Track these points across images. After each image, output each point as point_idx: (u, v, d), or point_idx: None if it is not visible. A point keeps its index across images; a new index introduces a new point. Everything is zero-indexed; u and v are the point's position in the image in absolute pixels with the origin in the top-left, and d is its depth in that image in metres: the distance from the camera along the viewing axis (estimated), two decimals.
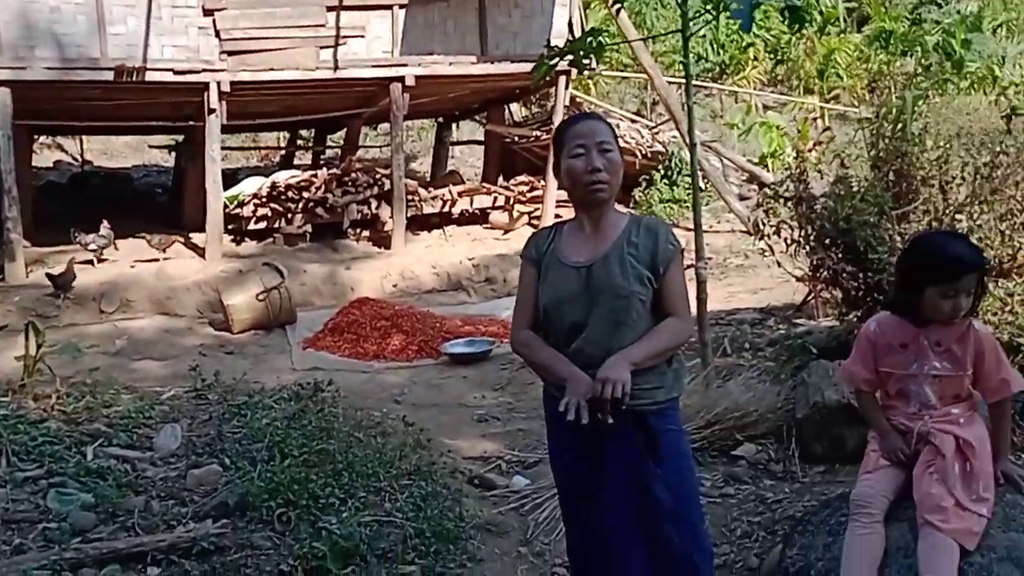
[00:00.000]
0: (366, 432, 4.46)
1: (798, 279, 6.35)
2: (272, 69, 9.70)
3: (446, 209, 11.28)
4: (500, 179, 12.36)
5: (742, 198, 11.43)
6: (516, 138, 12.37)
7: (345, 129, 13.50)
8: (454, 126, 14.81)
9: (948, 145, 5.32)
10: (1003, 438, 2.56)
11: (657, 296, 2.29)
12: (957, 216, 5.07)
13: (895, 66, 13.80)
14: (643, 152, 11.70)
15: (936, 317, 2.43)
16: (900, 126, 5.25)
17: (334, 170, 11.17)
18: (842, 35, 15.92)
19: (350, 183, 10.76)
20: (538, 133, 11.75)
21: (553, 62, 4.49)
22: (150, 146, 15.81)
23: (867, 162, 5.43)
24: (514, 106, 14.11)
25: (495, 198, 11.53)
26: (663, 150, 11.84)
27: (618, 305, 2.25)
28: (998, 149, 5.07)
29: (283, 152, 15.66)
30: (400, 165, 10.38)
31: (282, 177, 10.86)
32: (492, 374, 6.28)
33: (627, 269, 2.26)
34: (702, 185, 11.60)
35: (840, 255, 4.93)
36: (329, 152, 14.99)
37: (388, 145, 11.11)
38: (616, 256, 2.29)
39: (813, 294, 6.42)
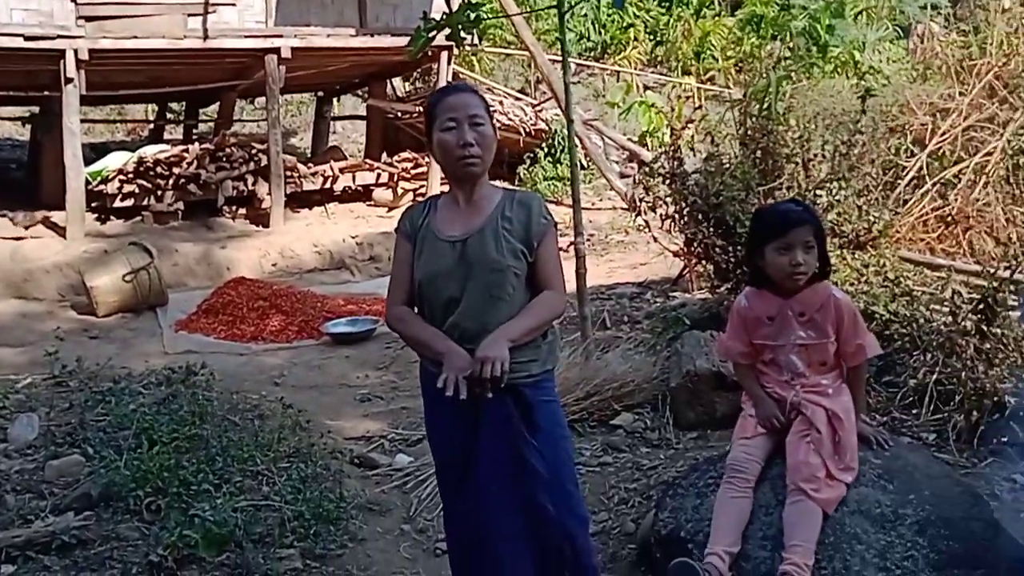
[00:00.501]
0: (242, 415, 4.33)
1: (674, 254, 6.57)
2: (136, 37, 9.14)
3: (327, 186, 11.00)
4: (384, 156, 12.16)
5: (623, 176, 11.66)
6: (399, 113, 12.17)
7: (218, 103, 12.92)
8: (335, 101, 14.43)
9: (810, 124, 5.60)
10: (859, 400, 2.73)
11: (532, 270, 2.31)
12: (818, 192, 5.34)
13: (765, 49, 14.37)
14: (527, 130, 11.75)
15: (779, 277, 2.55)
16: (766, 106, 5.48)
17: (207, 145, 10.67)
18: (717, 18, 16.42)
19: (224, 158, 10.30)
20: (421, 109, 11.59)
21: (430, 35, 4.43)
22: (1, 118, 14.67)
23: (736, 140, 5.64)
24: (397, 81, 13.87)
25: (378, 175, 11.33)
26: (546, 128, 11.93)
27: (493, 279, 2.25)
28: (854, 128, 5.36)
29: (152, 126, 14.84)
30: (277, 140, 10.03)
31: (150, 152, 10.28)
32: (375, 353, 6.20)
33: (501, 243, 2.27)
34: (584, 163, 11.79)
35: (711, 230, 5.12)
36: (202, 127, 14.30)
37: (265, 119, 10.71)
38: (491, 230, 2.29)
39: (688, 268, 6.64)
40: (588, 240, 9.98)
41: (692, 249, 5.85)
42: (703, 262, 5.85)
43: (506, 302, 2.26)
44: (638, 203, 6.02)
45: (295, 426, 4.27)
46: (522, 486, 2.29)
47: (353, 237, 9.80)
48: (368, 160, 11.80)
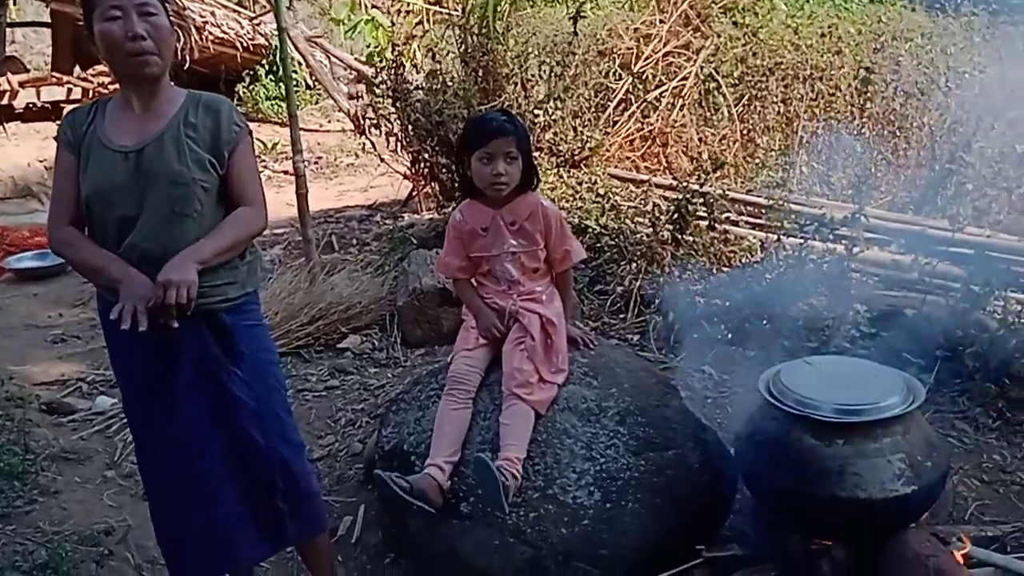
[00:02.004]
0: None
1: (403, 176, 6.50)
2: None
3: (5, 102, 9.52)
4: (77, 69, 10.73)
5: (351, 97, 11.28)
6: None
7: None
8: (11, 4, 12.44)
9: (527, 46, 5.72)
10: (568, 303, 2.84)
11: (225, 184, 2.07)
12: (536, 111, 5.52)
13: None
14: (244, 45, 10.92)
15: (482, 185, 2.57)
16: (485, 24, 5.49)
17: None
18: None
19: None
20: None
21: None
22: None
23: (458, 59, 5.62)
24: None
25: (69, 90, 9.99)
26: (266, 43, 11.17)
27: (176, 194, 1.98)
28: (568, 50, 5.56)
29: None
30: None
31: None
32: (71, 289, 5.52)
33: (185, 153, 2.00)
34: (310, 83, 11.24)
35: (435, 148, 5.10)
36: None
37: None
38: (171, 138, 2.01)
39: (416, 189, 6.62)
40: (316, 163, 9.68)
41: (419, 169, 5.82)
42: (430, 183, 5.85)
43: (193, 220, 2.01)
44: (362, 121, 5.85)
45: None
46: (226, 418, 2.11)
47: (41, 161, 8.59)
48: (56, 73, 10.34)
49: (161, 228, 1.98)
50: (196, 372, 2.07)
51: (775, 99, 6.22)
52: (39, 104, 9.78)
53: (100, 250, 2.00)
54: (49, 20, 11.70)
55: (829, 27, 6.36)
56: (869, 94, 5.94)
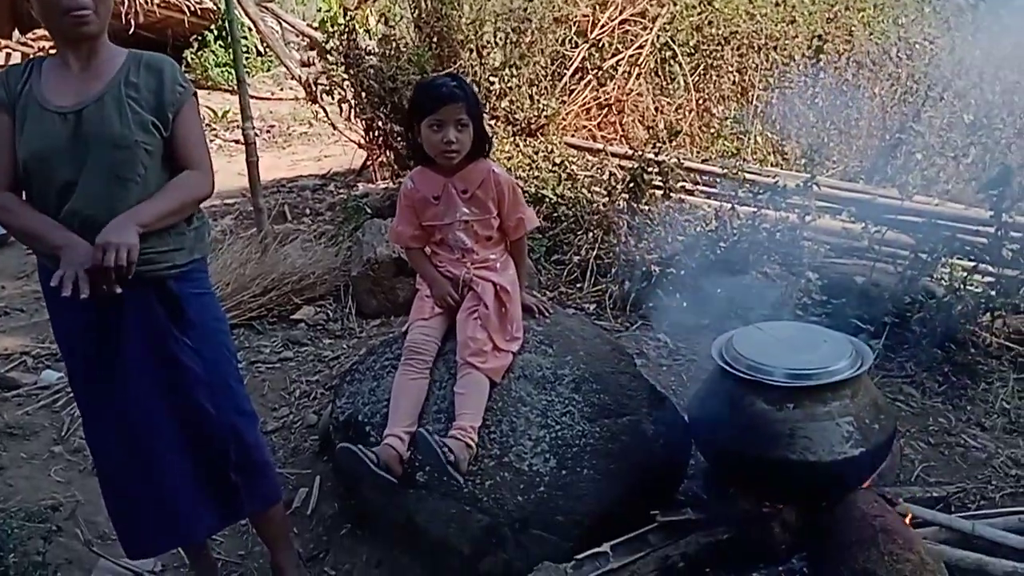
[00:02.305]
0: None
1: (357, 144, 6.39)
2: None
3: None
4: (16, 33, 10.31)
5: (304, 65, 11.05)
6: None
7: None
8: None
9: (482, 12, 5.63)
10: (522, 271, 2.82)
11: (168, 147, 2.01)
12: (491, 79, 5.45)
13: None
14: (191, 8, 10.59)
15: (433, 153, 2.52)
16: None
17: None
18: None
19: None
20: None
21: None
22: None
23: (412, 24, 5.52)
24: None
25: (8, 55, 9.59)
26: (214, 7, 10.85)
27: (118, 157, 1.92)
28: (523, 15, 5.48)
29: None
30: None
31: None
32: (14, 260, 5.35)
33: (127, 114, 1.94)
34: (262, 49, 10.97)
35: (388, 116, 5.01)
36: None
37: None
38: (112, 98, 1.94)
39: (371, 158, 6.52)
40: (268, 132, 9.48)
41: (373, 138, 5.72)
42: (384, 151, 5.77)
43: (137, 183, 1.95)
44: (314, 89, 5.73)
45: None
46: (176, 390, 2.07)
47: None
48: None
49: (103, 192, 1.92)
50: (144, 344, 2.02)
51: (730, 68, 6.24)
52: None
53: (39, 215, 1.93)
54: None
55: None
56: (822, 64, 5.98)
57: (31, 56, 9.55)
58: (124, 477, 2.12)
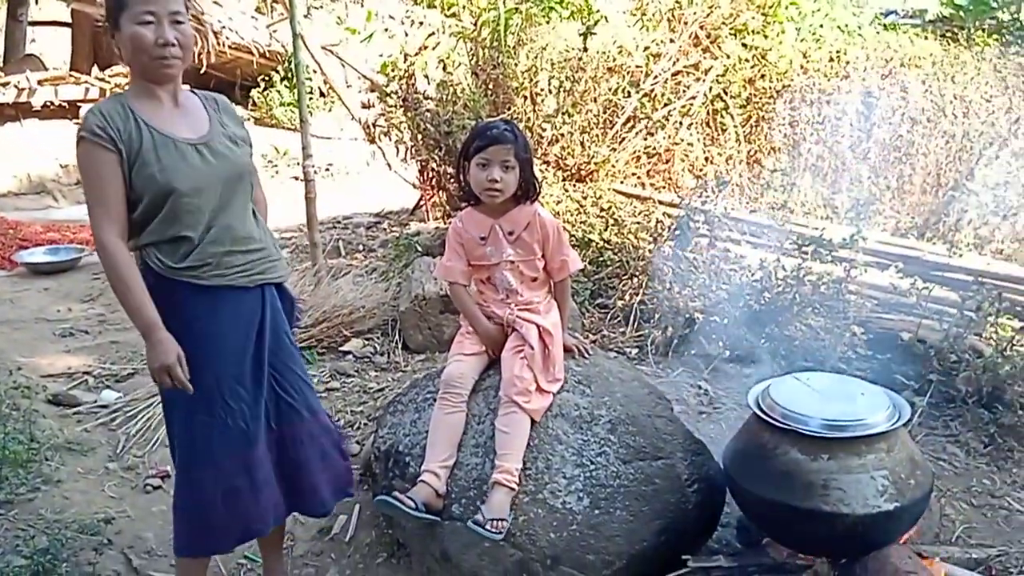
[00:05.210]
0: None
1: (412, 185, 6.57)
2: None
3: (23, 99, 9.64)
4: (95, 69, 10.86)
5: (364, 106, 11.40)
6: None
7: None
8: (33, 2, 12.61)
9: (538, 60, 5.78)
10: (565, 312, 2.88)
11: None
12: (544, 125, 5.58)
13: None
14: (260, 51, 11.05)
15: (477, 191, 2.62)
16: (496, 38, 5.57)
17: None
18: None
19: None
20: None
21: None
22: None
23: (469, 71, 5.70)
24: None
25: (87, 89, 10.10)
26: (282, 51, 11.29)
27: (245, 179, 2.24)
28: (577, 65, 5.62)
29: None
30: None
31: None
32: (81, 285, 5.60)
33: (236, 145, 2.24)
34: (324, 91, 11.34)
35: (443, 158, 5.16)
36: None
37: None
38: (219, 132, 2.21)
39: (424, 198, 6.69)
40: (327, 169, 9.76)
41: (427, 178, 5.89)
42: (437, 192, 5.93)
43: (250, 198, 2.28)
44: (373, 130, 5.93)
45: None
46: (283, 382, 2.34)
47: (57, 159, 8.71)
48: (74, 72, 10.48)
49: (240, 212, 2.21)
50: (273, 336, 2.29)
51: (782, 121, 6.28)
52: (56, 102, 9.90)
53: (142, 289, 2.05)
54: (69, 20, 11.85)
55: (838, 52, 6.43)
56: (874, 120, 5.99)
57: (107, 91, 10.04)
58: (223, 470, 2.22)
